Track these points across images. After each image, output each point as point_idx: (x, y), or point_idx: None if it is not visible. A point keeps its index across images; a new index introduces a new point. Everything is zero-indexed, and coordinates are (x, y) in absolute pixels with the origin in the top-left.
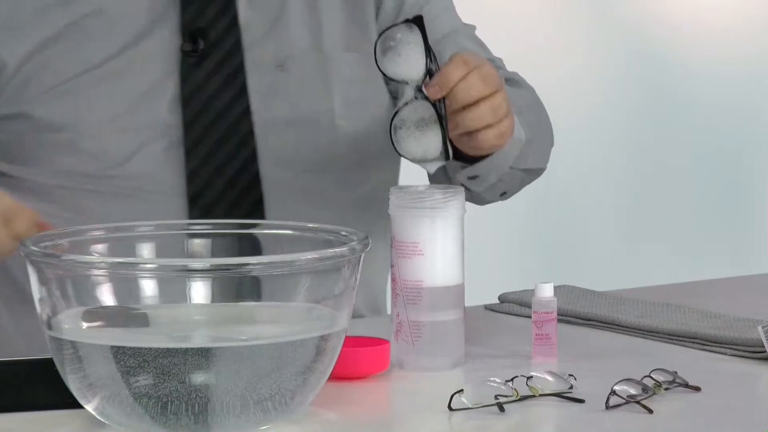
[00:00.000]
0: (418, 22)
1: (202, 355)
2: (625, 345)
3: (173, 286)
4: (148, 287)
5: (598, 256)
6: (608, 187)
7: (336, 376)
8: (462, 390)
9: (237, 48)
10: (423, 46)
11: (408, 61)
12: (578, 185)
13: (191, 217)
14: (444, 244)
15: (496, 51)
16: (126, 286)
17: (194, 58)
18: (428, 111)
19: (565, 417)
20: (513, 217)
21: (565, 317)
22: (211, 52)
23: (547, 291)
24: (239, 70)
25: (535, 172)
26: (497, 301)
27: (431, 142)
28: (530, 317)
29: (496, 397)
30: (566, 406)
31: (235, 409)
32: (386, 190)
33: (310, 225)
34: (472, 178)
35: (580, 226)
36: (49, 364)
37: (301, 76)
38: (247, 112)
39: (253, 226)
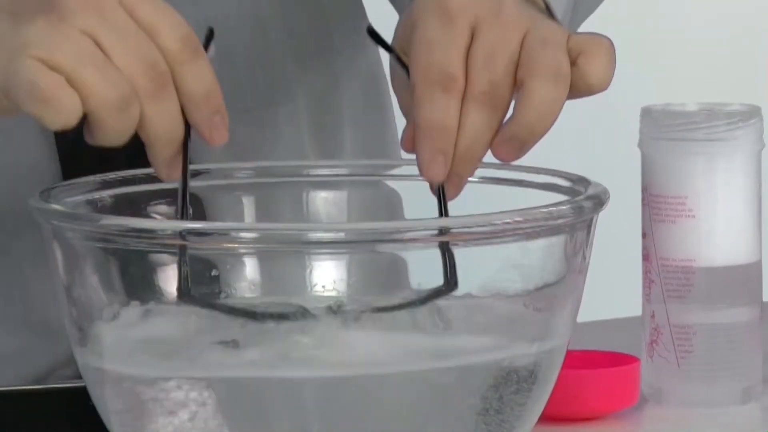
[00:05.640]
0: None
1: (337, 386)
2: None
3: (284, 268)
4: (245, 270)
5: None
6: None
7: (553, 416)
8: None
9: None
10: None
11: None
12: None
13: None
14: (728, 201)
15: None
16: (207, 268)
17: None
18: None
19: None
20: None
21: None
22: None
23: None
24: None
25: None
26: None
27: None
28: None
29: None
30: None
31: None
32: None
33: (496, 169)
34: None
35: None
36: (80, 395)
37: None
38: None
39: (394, 166)
